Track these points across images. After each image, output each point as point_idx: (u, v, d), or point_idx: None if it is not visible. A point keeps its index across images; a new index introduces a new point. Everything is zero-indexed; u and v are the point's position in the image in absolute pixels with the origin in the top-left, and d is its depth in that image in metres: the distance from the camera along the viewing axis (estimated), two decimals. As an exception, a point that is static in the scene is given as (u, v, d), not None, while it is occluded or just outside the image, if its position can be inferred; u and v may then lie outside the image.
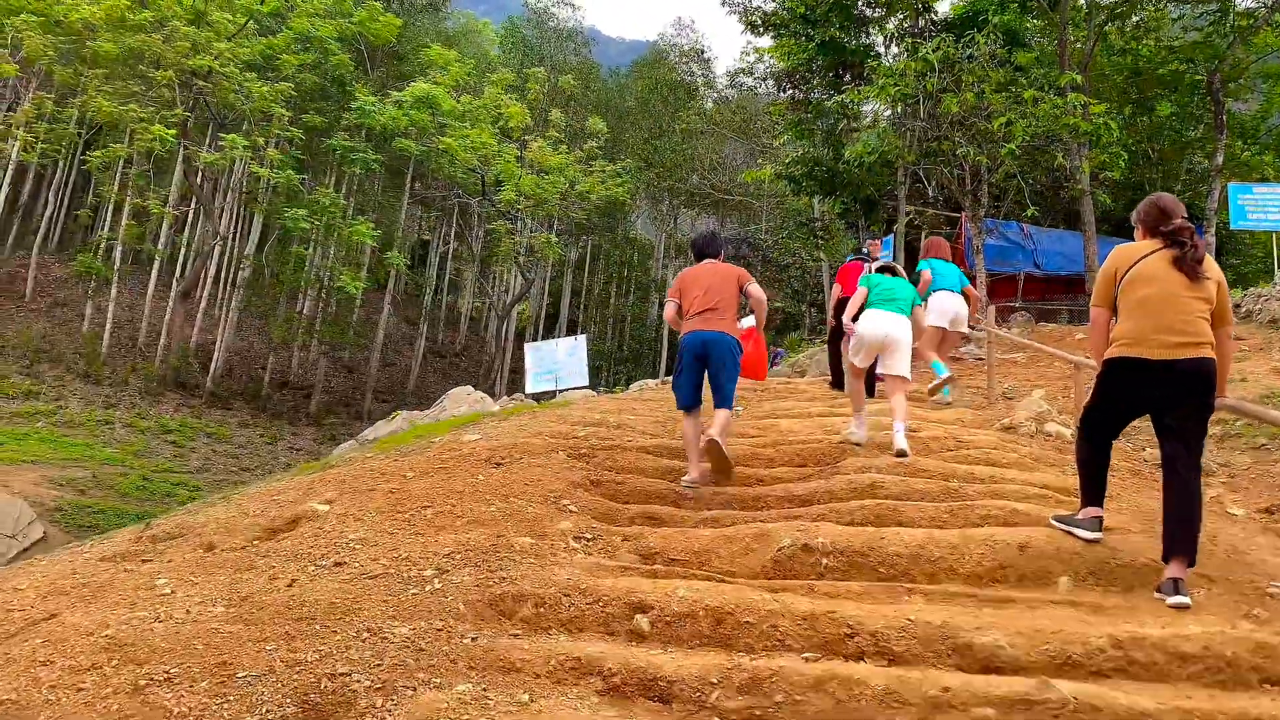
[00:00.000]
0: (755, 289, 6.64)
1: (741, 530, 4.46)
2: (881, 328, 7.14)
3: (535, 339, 48.79)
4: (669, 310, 6.68)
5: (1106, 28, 23.74)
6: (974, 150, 20.54)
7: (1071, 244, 25.61)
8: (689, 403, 6.31)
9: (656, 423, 7.42)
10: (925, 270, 10.35)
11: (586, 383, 18.00)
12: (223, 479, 29.56)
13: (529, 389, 17.96)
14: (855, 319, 7.39)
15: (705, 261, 6.76)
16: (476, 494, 4.81)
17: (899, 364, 7.12)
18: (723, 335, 6.30)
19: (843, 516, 4.62)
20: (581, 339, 17.90)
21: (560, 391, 17.18)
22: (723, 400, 6.27)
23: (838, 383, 10.44)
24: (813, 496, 5.04)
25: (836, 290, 10.87)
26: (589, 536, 4.35)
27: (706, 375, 6.35)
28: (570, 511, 4.74)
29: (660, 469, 5.80)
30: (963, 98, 20.65)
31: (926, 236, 27.14)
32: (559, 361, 17.46)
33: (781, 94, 30.69)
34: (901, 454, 6.32)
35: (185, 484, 28.01)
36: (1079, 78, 20.22)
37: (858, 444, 6.72)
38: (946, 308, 10.14)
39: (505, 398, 13.97)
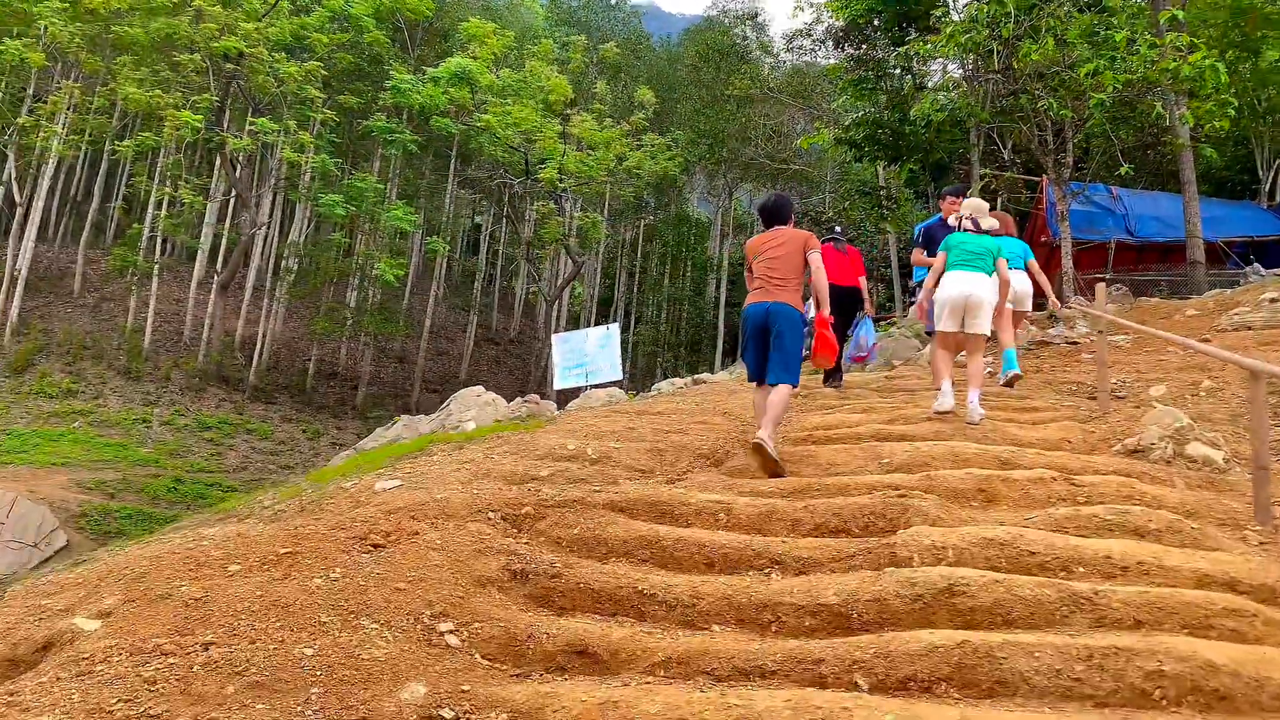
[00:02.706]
0: (815, 258, 6.04)
1: (721, 701, 2.56)
2: (961, 289, 6.74)
3: (589, 323, 47.18)
4: (748, 280, 6.40)
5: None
6: (1057, 104, 18.12)
7: (1167, 207, 22.98)
8: (757, 376, 5.97)
9: (653, 452, 5.54)
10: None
11: (620, 376, 16.18)
12: (260, 478, 28.48)
13: (557, 384, 16.26)
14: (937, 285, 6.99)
15: (774, 228, 6.36)
16: (312, 607, 3.04)
17: (980, 323, 6.74)
18: (783, 305, 5.89)
19: (898, 667, 2.70)
20: (614, 329, 16.03)
21: (589, 388, 15.39)
22: (776, 372, 5.77)
23: (832, 375, 9.82)
24: (850, 612, 3.12)
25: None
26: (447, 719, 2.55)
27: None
28: (447, 645, 2.95)
29: (632, 540, 3.92)
30: (1043, 45, 18.24)
31: (1001, 203, 24.74)
32: (589, 354, 15.63)
33: (840, 52, 28.39)
34: (973, 423, 6.09)
35: (220, 484, 26.98)
36: (1180, 12, 17.62)
37: (949, 410, 6.32)
38: (1017, 286, 9.28)
39: (519, 400, 12.21)
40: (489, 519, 4.01)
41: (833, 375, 10.88)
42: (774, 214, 6.48)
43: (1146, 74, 17.35)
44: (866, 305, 11.53)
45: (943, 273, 6.99)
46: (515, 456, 5.28)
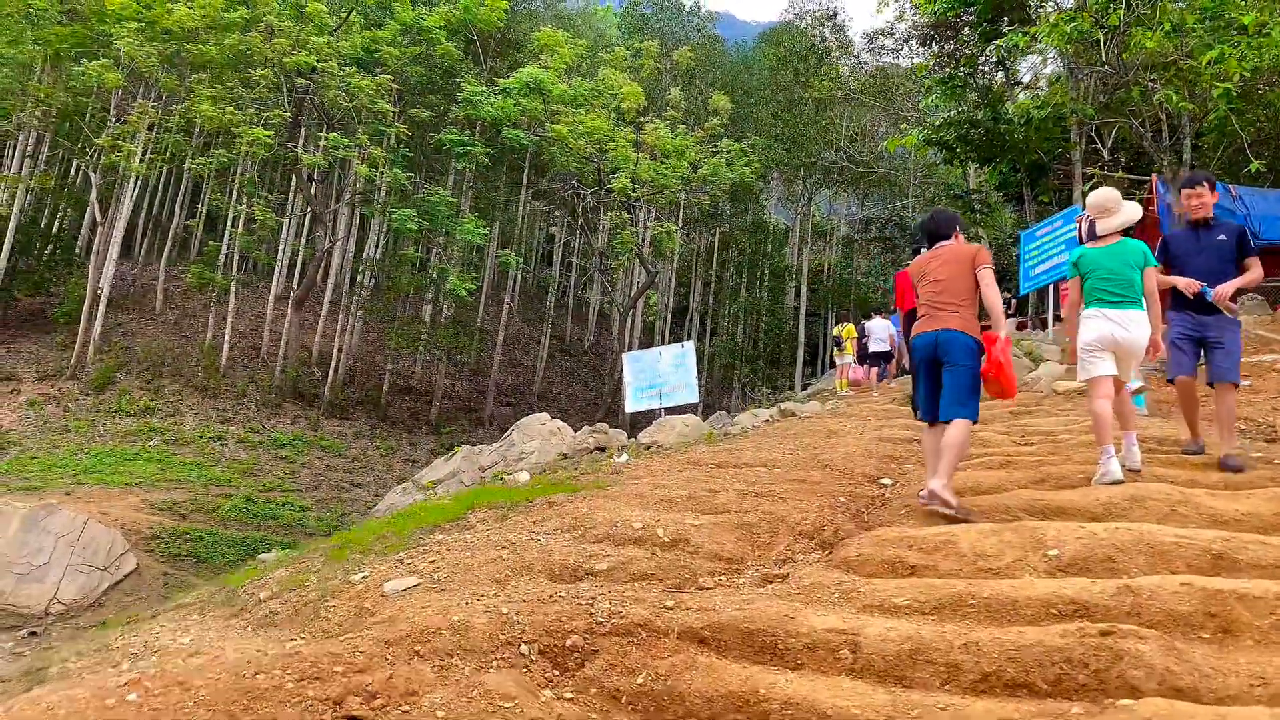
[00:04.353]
0: (986, 275, 5.40)
1: None
2: (1109, 333, 5.49)
3: (664, 333, 46.16)
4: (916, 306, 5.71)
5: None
6: (1176, 96, 16.50)
7: (1300, 206, 21.01)
8: (928, 416, 5.45)
9: (741, 529, 4.41)
10: None
11: (696, 399, 15.09)
12: (332, 496, 28.10)
13: (629, 407, 15.17)
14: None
15: (937, 245, 5.69)
16: None
17: (1127, 370, 5.69)
18: (953, 332, 5.30)
19: None
20: (689, 346, 14.89)
21: (663, 411, 14.33)
22: (950, 406, 5.19)
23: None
24: None
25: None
26: None
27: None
28: None
29: (720, 700, 2.70)
30: (1158, 32, 16.65)
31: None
32: (662, 374, 14.52)
33: (928, 49, 26.90)
34: (1135, 471, 5.41)
35: (292, 504, 26.60)
36: (1322, -11, 15.88)
37: (1118, 481, 5.01)
38: None
39: (586, 429, 11.19)
40: (521, 655, 2.96)
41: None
42: (936, 232, 5.79)
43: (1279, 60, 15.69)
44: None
45: (1080, 304, 5.75)
46: (567, 537, 4.23)
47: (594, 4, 56.11)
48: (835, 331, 18.69)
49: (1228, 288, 5.70)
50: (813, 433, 7.40)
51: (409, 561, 3.97)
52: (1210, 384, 5.75)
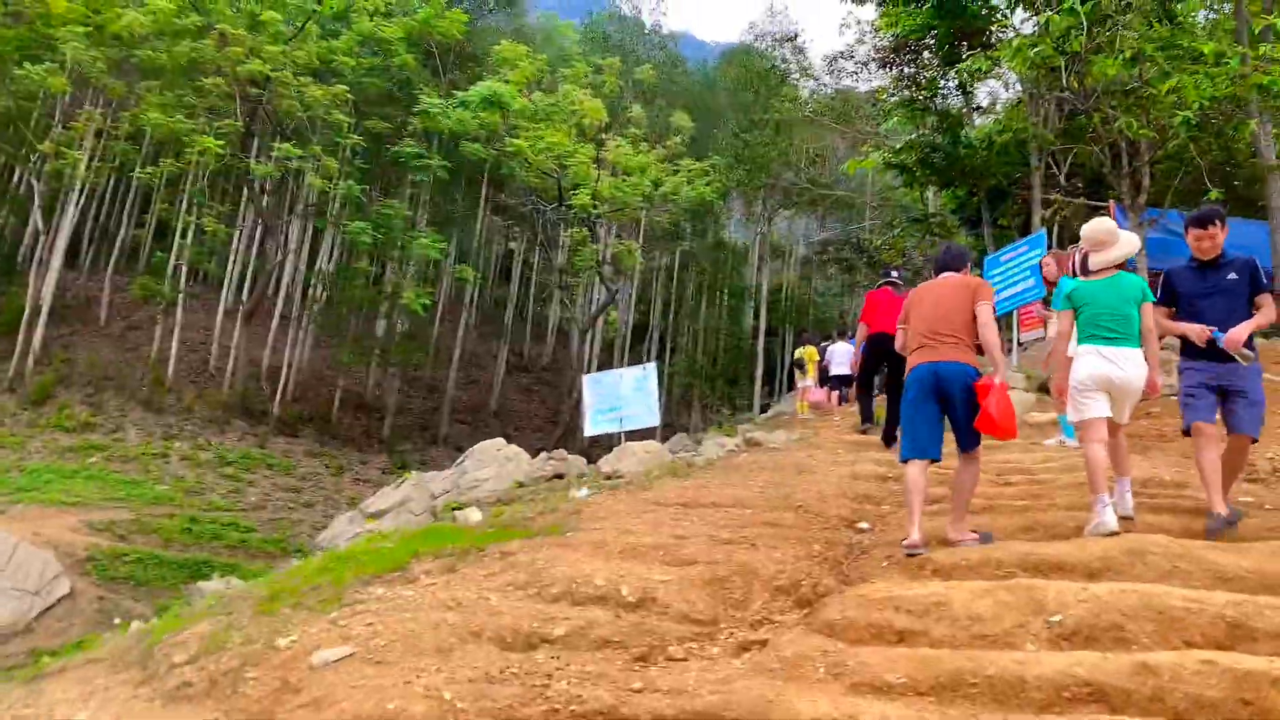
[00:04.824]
0: (984, 311, 5.32)
1: None
2: (1104, 372, 5.15)
3: (623, 351, 45.78)
4: (898, 340, 5.62)
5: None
6: (1136, 123, 16.54)
7: (1250, 234, 21.19)
8: (917, 453, 5.14)
9: (712, 584, 4.05)
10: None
11: (657, 422, 14.78)
12: (279, 516, 27.32)
13: (588, 430, 14.86)
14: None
15: (941, 276, 5.60)
16: None
17: (1122, 413, 5.35)
18: (956, 364, 5.18)
19: None
20: (650, 368, 14.57)
21: (624, 435, 13.96)
22: (966, 440, 5.16)
23: (865, 418, 9.87)
24: None
25: (862, 330, 9.77)
26: None
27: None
28: None
29: None
30: (1119, 58, 16.70)
31: (1058, 230, 23.09)
32: (623, 397, 14.19)
33: (888, 73, 26.92)
34: (1127, 518, 5.09)
35: (237, 524, 25.80)
36: (1279, 21, 16.01)
37: (1113, 533, 4.67)
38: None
39: (543, 456, 10.79)
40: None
41: (866, 417, 9.63)
42: (945, 265, 5.70)
43: (1236, 90, 15.78)
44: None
45: (1069, 336, 5.49)
46: (521, 595, 3.84)
47: (555, 20, 55.92)
48: (797, 353, 18.48)
49: (1241, 332, 5.10)
50: (782, 467, 7.07)
51: (343, 624, 3.56)
52: (1234, 432, 5.23)
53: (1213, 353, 5.19)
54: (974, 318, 5.27)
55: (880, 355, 9.40)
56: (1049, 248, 18.91)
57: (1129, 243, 5.50)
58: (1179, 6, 20.26)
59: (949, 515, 5.11)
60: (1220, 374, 5.19)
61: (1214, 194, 16.34)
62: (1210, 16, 23.98)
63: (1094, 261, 5.39)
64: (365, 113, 33.75)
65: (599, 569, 4.06)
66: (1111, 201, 20.35)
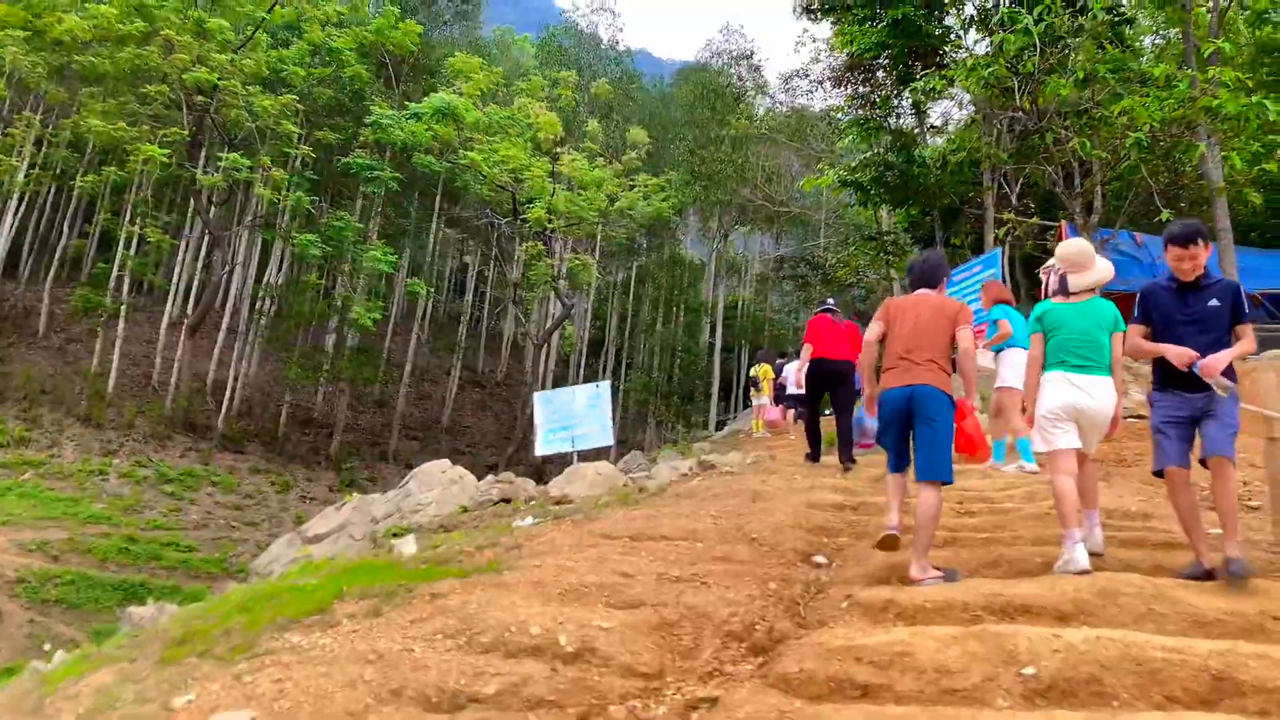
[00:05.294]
0: (965, 338, 5.24)
1: None
2: (1072, 401, 4.94)
3: (578, 367, 45.41)
4: (872, 331, 5.54)
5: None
6: (1089, 144, 16.61)
7: (1198, 256, 21.49)
8: (900, 467, 5.30)
9: (659, 630, 3.75)
10: (1004, 320, 8.86)
11: (610, 441, 14.51)
12: (221, 536, 26.54)
13: (539, 450, 14.51)
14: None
15: (919, 292, 5.52)
16: None
17: (1091, 443, 5.08)
18: (930, 388, 5.12)
19: None
20: (604, 386, 14.27)
21: (575, 454, 13.65)
22: (927, 469, 5.01)
23: (815, 455, 9.67)
24: None
25: (807, 349, 9.83)
26: None
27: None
28: None
29: None
30: (1071, 79, 16.80)
31: (1009, 250, 23.18)
32: (575, 415, 13.87)
33: (843, 91, 26.98)
34: (1097, 554, 4.82)
35: (177, 543, 25.01)
36: (1227, 45, 16.19)
37: (1084, 571, 4.43)
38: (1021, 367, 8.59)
39: (490, 479, 10.44)
40: None
41: (846, 458, 9.50)
42: (923, 277, 5.57)
43: (1186, 112, 15.92)
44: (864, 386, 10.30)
45: (1040, 361, 5.22)
46: (449, 644, 3.50)
47: (512, 34, 55.67)
48: (752, 372, 18.30)
49: (1219, 360, 4.64)
50: (736, 493, 6.78)
51: (249, 679, 3.20)
52: (1203, 461, 4.72)
53: (1186, 382, 4.76)
54: (953, 341, 5.21)
55: (823, 380, 9.64)
56: (1004, 266, 18.97)
57: (1105, 269, 5.29)
58: (1129, 30, 20.53)
59: (912, 551, 4.90)
60: (1194, 404, 4.77)
61: (1165, 215, 16.45)
62: (1157, 41, 24.38)
63: (1074, 283, 5.17)
64: (316, 123, 33.19)
65: (536, 614, 3.74)
66: (1063, 221, 20.49)
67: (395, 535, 8.68)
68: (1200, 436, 4.76)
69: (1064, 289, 5.21)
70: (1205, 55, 16.24)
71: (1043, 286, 5.31)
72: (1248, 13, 21.65)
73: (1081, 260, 5.26)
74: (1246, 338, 4.83)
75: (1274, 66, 21.88)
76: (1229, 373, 4.75)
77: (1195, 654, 3.18)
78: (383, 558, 5.80)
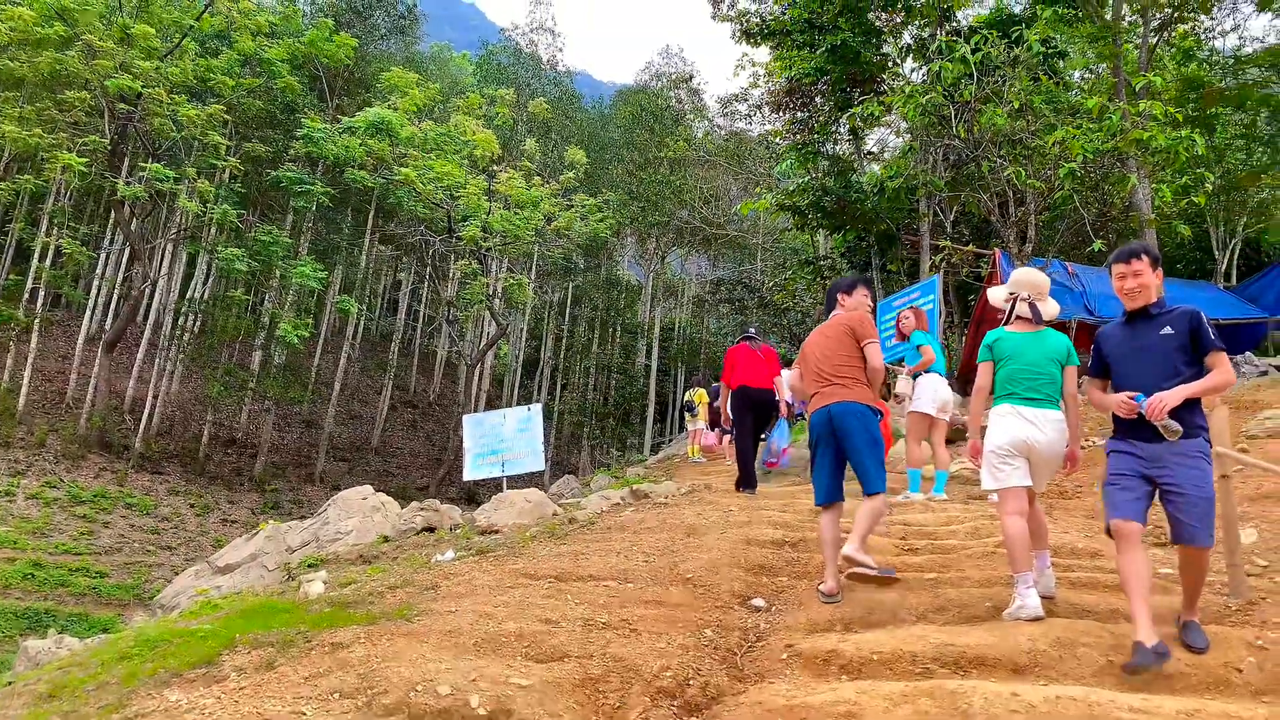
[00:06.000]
0: (871, 351, 5.29)
1: None
2: (1023, 436, 4.63)
3: (513, 387, 44.82)
4: (793, 377, 5.76)
5: (1165, 32, 20.07)
6: (1024, 172, 16.77)
7: (1128, 287, 21.87)
8: (827, 499, 5.24)
9: (584, 685, 3.39)
10: (928, 346, 9.02)
11: (542, 466, 14.10)
12: (135, 560, 25.43)
13: (467, 475, 14.04)
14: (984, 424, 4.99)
15: (831, 316, 5.64)
16: None
17: (1041, 482, 4.78)
18: (850, 404, 5.21)
19: None
20: (535, 409, 13.86)
21: (505, 481, 13.26)
22: (866, 482, 5.13)
23: (744, 482, 9.45)
24: None
25: (724, 391, 9.98)
26: None
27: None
28: None
29: None
30: (1008, 108, 16.98)
31: (955, 276, 23.37)
32: (505, 439, 13.43)
33: (781, 116, 27.07)
34: (1048, 598, 4.46)
35: (87, 569, 23.88)
36: (1158, 78, 16.47)
37: (1037, 618, 4.12)
38: (941, 393, 8.84)
39: (414, 506, 9.97)
40: None
41: (745, 481, 9.53)
42: (830, 302, 5.71)
43: (1118, 144, 16.15)
44: (782, 409, 10.38)
45: (987, 391, 4.99)
46: (347, 706, 3.09)
47: (449, 50, 55.17)
48: (687, 396, 18.07)
49: (1168, 398, 3.99)
50: (670, 527, 6.44)
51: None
52: (1178, 542, 4.01)
53: (1143, 431, 4.09)
54: (861, 355, 5.29)
55: (748, 406, 9.64)
56: (944, 293, 19.04)
57: (1055, 306, 5.10)
58: (1061, 64, 20.88)
59: (850, 537, 4.92)
60: (1150, 459, 4.07)
61: (1097, 245, 16.66)
62: (1087, 76, 24.88)
63: (1046, 312, 4.93)
64: (245, 135, 32.32)
65: (447, 669, 3.35)
66: (997, 250, 20.68)
67: (311, 567, 8.21)
68: (1169, 517, 4.04)
69: (1036, 317, 4.95)
70: (1136, 88, 16.50)
71: (1005, 315, 4.96)
72: (1173, 50, 22.29)
73: (1044, 288, 5.07)
74: (1218, 369, 4.12)
75: (1199, 102, 22.44)
76: (1188, 417, 4.06)
77: (1162, 714, 2.93)
78: (288, 597, 5.35)
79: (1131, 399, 4.10)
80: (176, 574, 20.41)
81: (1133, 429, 4.16)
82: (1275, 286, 20.19)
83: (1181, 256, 24.43)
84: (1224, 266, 24.07)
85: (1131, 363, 4.27)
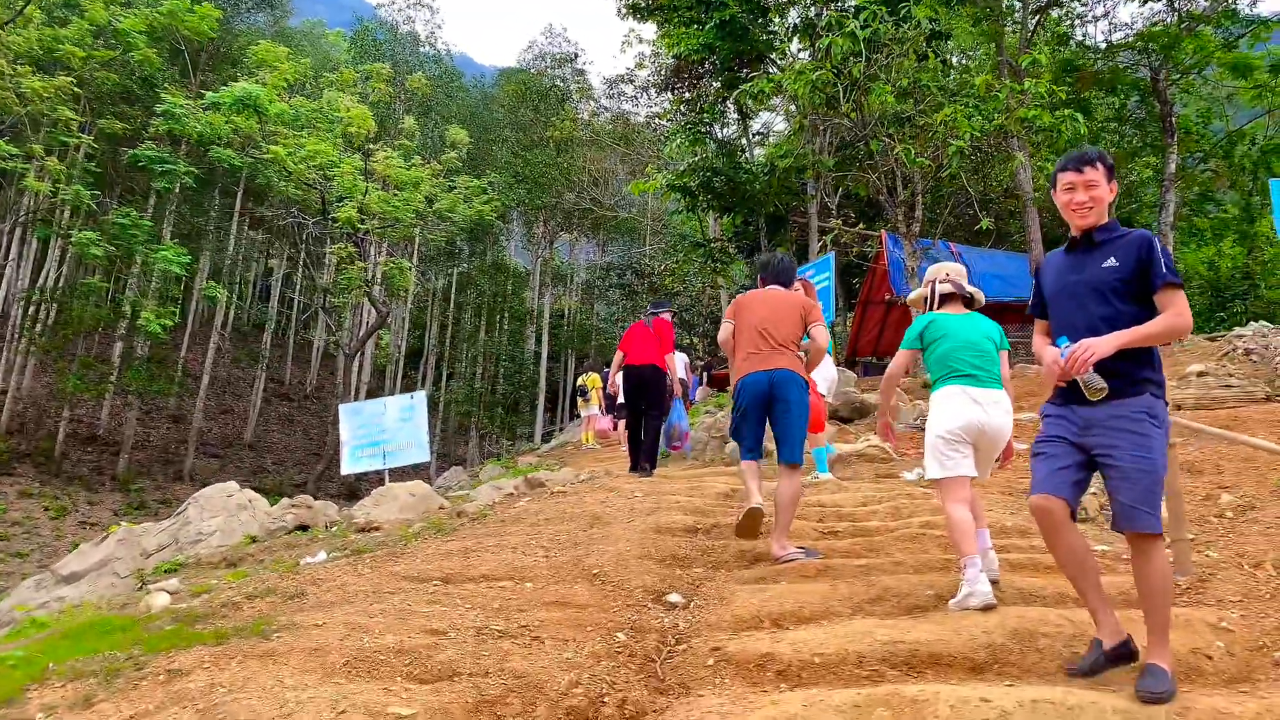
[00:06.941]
0: (820, 332, 5.49)
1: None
2: (974, 420, 4.25)
3: (395, 378, 43.38)
4: (724, 331, 5.71)
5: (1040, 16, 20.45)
6: (912, 151, 16.73)
7: (1008, 265, 22.37)
8: (754, 454, 5.40)
9: (479, 709, 2.85)
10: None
11: (427, 457, 13.34)
12: (-19, 570, 23.41)
13: (345, 469, 13.16)
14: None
15: (770, 288, 5.74)
16: None
17: (986, 467, 4.46)
18: (788, 372, 5.31)
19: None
20: (419, 396, 13.07)
21: (387, 474, 12.47)
22: (790, 452, 5.23)
23: (635, 464, 9.42)
24: None
25: (618, 357, 9.57)
26: None
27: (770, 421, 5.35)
28: None
29: None
30: (897, 86, 16.90)
31: (843, 257, 23.43)
32: (387, 429, 12.61)
33: (669, 96, 26.69)
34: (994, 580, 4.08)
35: (-77, 582, 21.80)
36: (1043, 56, 16.65)
37: (989, 606, 3.68)
38: (829, 373, 8.87)
39: (285, 503, 9.17)
40: None
41: (645, 462, 9.37)
42: (776, 274, 5.76)
43: (1004, 123, 16.27)
44: (675, 388, 9.98)
45: (901, 377, 4.82)
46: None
47: (322, 26, 52.95)
48: (580, 380, 17.54)
49: (1097, 346, 3.10)
50: (571, 518, 5.88)
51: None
52: (1117, 529, 3.24)
53: (1080, 387, 3.21)
54: (804, 333, 5.43)
55: (631, 384, 9.39)
56: (837, 272, 18.93)
57: (979, 291, 4.84)
58: (945, 44, 21.03)
59: (772, 533, 5.00)
60: (1084, 424, 3.25)
61: (985, 222, 16.78)
62: (965, 59, 25.26)
63: (945, 289, 4.62)
64: (100, 111, 30.18)
65: (310, 698, 2.73)
66: (884, 231, 20.77)
67: (169, 572, 7.39)
68: (1109, 497, 3.23)
69: (962, 290, 4.64)
70: (1021, 65, 16.65)
71: (927, 301, 4.56)
72: (1049, 35, 22.80)
73: (963, 276, 4.82)
74: (1171, 309, 3.17)
75: (1075, 86, 22.99)
76: (1124, 369, 3.16)
77: (1149, 714, 2.54)
78: (128, 611, 4.58)
79: (1058, 353, 3.20)
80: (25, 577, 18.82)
81: (1070, 386, 3.27)
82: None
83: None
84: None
85: (1065, 301, 3.39)
